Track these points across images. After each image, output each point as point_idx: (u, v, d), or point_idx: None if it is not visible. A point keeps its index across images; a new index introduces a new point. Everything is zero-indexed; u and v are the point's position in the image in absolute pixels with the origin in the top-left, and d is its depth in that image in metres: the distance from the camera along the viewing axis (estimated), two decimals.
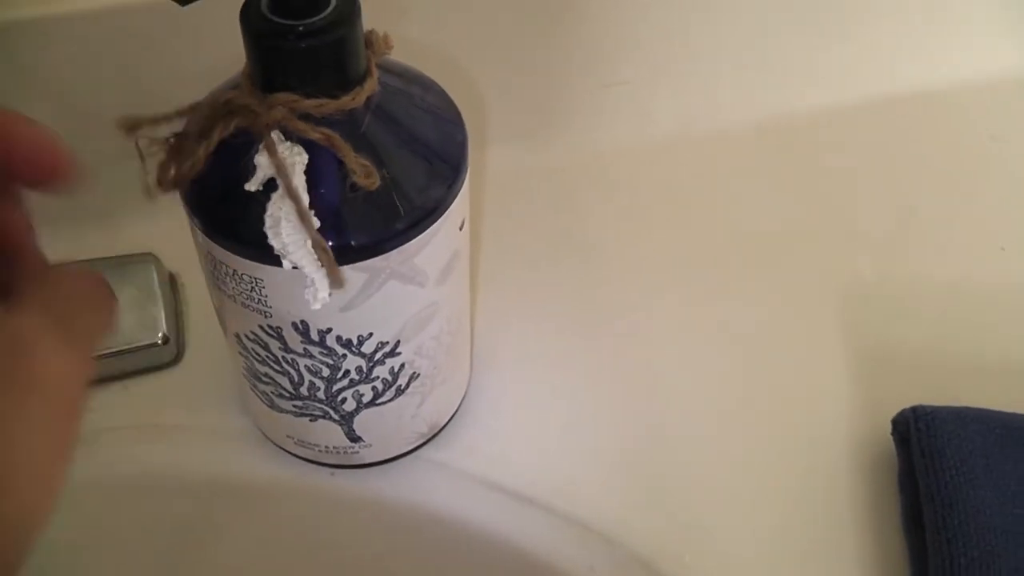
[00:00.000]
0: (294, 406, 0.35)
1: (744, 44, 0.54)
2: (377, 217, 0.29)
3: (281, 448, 0.39)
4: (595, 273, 0.47)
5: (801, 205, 0.51)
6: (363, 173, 0.28)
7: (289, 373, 0.33)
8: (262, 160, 0.28)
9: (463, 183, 0.31)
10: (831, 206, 0.51)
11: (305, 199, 0.27)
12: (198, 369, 0.42)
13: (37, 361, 0.20)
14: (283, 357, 0.32)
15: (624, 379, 0.43)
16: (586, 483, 0.39)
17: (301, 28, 0.26)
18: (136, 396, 0.41)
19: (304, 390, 0.34)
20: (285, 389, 0.34)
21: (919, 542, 0.37)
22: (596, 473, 0.40)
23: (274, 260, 0.28)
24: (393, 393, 0.35)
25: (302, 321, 0.31)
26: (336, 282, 0.28)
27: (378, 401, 0.35)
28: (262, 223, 0.28)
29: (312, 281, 0.28)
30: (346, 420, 0.35)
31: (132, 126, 0.28)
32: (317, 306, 0.29)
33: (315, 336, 0.31)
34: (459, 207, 0.31)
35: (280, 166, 0.27)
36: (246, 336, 0.33)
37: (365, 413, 0.35)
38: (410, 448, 0.39)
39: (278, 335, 0.32)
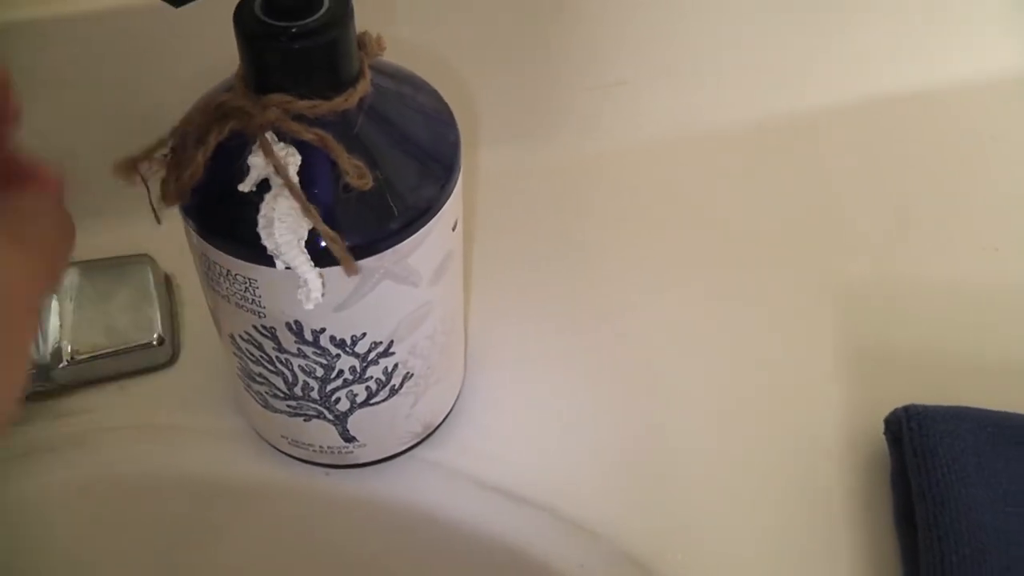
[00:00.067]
0: (288, 406, 0.35)
1: (740, 44, 0.54)
2: (370, 217, 0.29)
3: (276, 448, 0.39)
4: (590, 273, 0.47)
5: (797, 205, 0.51)
6: (356, 174, 0.28)
7: (283, 373, 0.33)
8: (256, 161, 0.28)
9: (456, 183, 0.31)
10: (827, 206, 0.52)
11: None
12: (193, 370, 0.42)
13: None
14: (277, 357, 0.33)
15: (618, 379, 0.43)
16: (579, 482, 0.40)
17: (294, 30, 0.27)
18: (132, 397, 0.41)
19: (298, 390, 0.34)
20: (279, 389, 0.34)
21: (911, 540, 0.37)
22: (589, 472, 0.40)
23: (267, 260, 0.28)
24: (387, 393, 0.35)
25: (296, 321, 0.31)
26: (351, 270, 0.28)
27: (372, 401, 0.35)
28: (255, 224, 0.28)
29: (305, 281, 0.28)
30: (340, 420, 0.35)
31: (129, 166, 0.28)
32: (310, 306, 0.29)
33: (309, 336, 0.31)
34: (452, 207, 0.31)
35: (278, 165, 0.27)
36: (240, 336, 0.33)
37: (359, 413, 0.35)
38: (404, 448, 0.39)
39: (272, 335, 0.32)
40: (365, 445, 0.37)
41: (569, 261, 0.48)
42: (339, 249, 0.28)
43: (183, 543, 0.43)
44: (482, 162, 0.51)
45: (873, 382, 0.43)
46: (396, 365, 0.34)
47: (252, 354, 0.33)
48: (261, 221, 0.28)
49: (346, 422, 0.36)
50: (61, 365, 0.39)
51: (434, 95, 0.33)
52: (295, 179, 0.27)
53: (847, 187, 0.53)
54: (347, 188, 0.28)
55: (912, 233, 0.50)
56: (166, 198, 0.29)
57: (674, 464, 0.40)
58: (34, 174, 0.24)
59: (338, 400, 0.34)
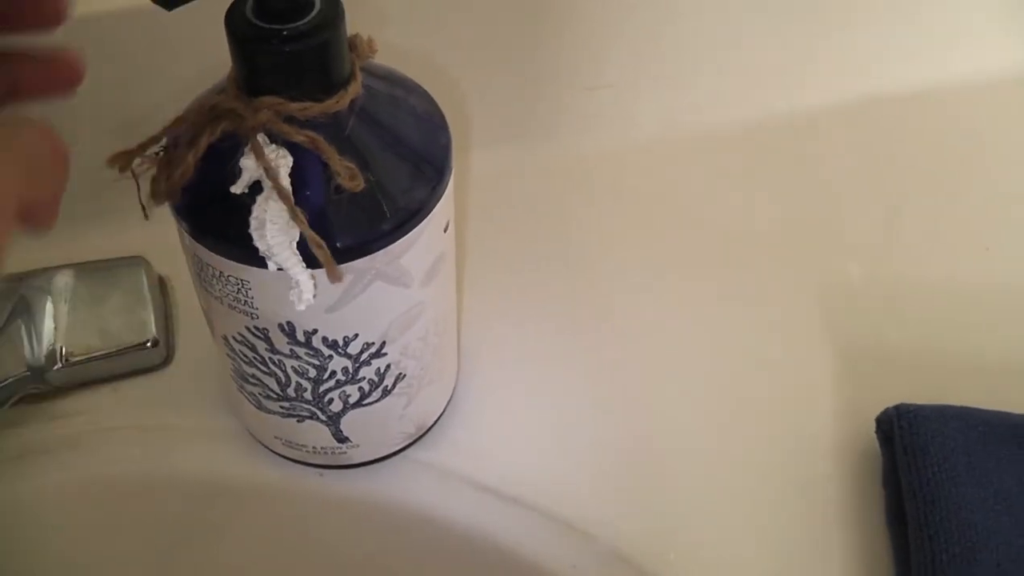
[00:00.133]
0: (281, 407, 0.35)
1: (729, 46, 0.54)
2: (362, 218, 0.29)
3: (269, 449, 0.39)
4: (583, 275, 0.47)
5: (791, 205, 0.52)
6: (347, 175, 0.28)
7: (276, 374, 0.33)
8: (248, 163, 0.28)
9: (447, 185, 0.32)
10: (822, 206, 0.52)
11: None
12: (187, 371, 0.42)
13: None
14: (270, 358, 0.33)
15: (610, 379, 0.43)
16: (572, 482, 0.40)
17: (285, 32, 0.27)
18: (126, 398, 0.41)
19: (291, 391, 0.34)
20: (272, 390, 0.34)
21: (903, 539, 0.37)
22: (582, 472, 0.40)
23: (259, 262, 0.28)
24: (380, 394, 0.35)
25: (288, 322, 0.31)
26: (334, 276, 0.28)
27: (365, 402, 0.35)
28: (247, 225, 0.28)
29: (297, 282, 0.28)
30: (333, 421, 0.36)
31: (124, 160, 0.29)
32: (302, 307, 0.29)
33: (301, 337, 0.31)
34: (443, 209, 0.32)
35: (268, 168, 0.28)
36: (233, 338, 0.33)
37: (352, 414, 0.35)
38: (398, 448, 0.39)
39: (264, 336, 0.32)
40: (358, 446, 0.37)
41: (563, 263, 0.48)
42: (324, 255, 0.28)
43: (177, 544, 0.43)
44: (474, 164, 0.51)
45: (865, 381, 0.43)
46: (388, 366, 0.34)
47: (245, 355, 0.33)
48: (253, 223, 0.28)
49: (339, 423, 0.36)
50: (56, 367, 0.39)
51: (425, 97, 0.33)
52: (286, 182, 0.28)
53: (843, 187, 0.53)
54: (339, 190, 0.28)
55: (905, 233, 0.51)
56: (156, 197, 0.29)
57: (666, 464, 0.41)
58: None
59: (331, 401, 0.35)
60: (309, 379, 0.33)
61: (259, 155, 0.28)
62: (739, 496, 0.40)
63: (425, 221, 0.31)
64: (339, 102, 0.28)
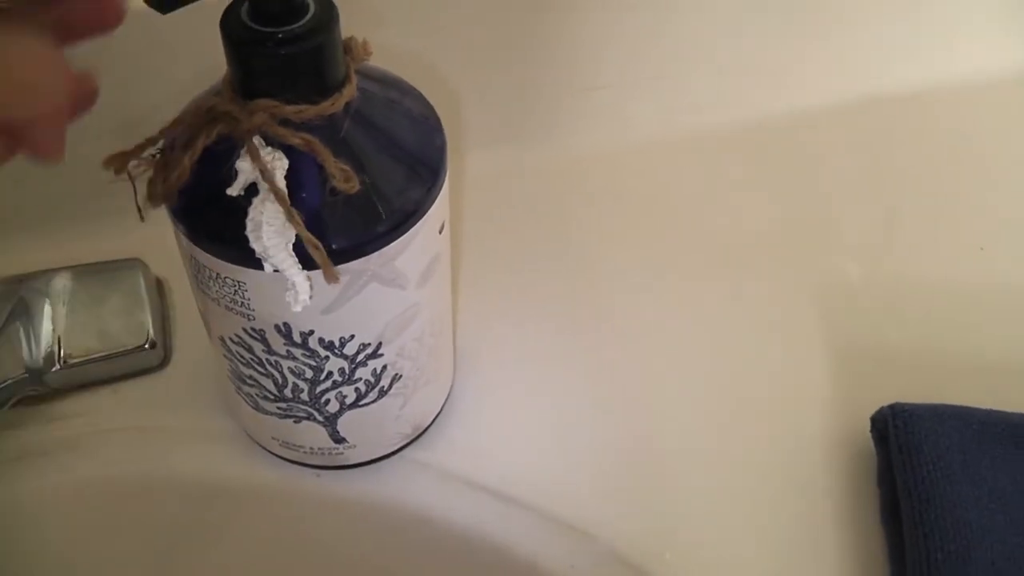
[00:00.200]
0: (278, 408, 0.35)
1: (726, 46, 0.54)
2: (357, 220, 0.29)
3: (267, 450, 0.39)
4: (579, 275, 0.48)
5: (785, 206, 0.52)
6: (343, 177, 0.28)
7: (273, 375, 0.34)
8: (244, 165, 0.28)
9: (442, 186, 0.32)
10: (816, 207, 0.52)
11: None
12: (185, 373, 0.42)
13: None
14: (266, 359, 0.33)
15: (607, 379, 0.43)
16: (569, 482, 0.40)
17: (280, 35, 0.27)
18: (124, 400, 0.42)
19: (288, 392, 0.34)
20: (269, 391, 0.35)
21: (897, 537, 0.37)
22: (578, 472, 0.40)
23: (256, 263, 0.29)
24: (376, 394, 0.35)
25: (284, 323, 0.31)
26: (331, 277, 0.29)
27: (361, 402, 0.35)
28: (243, 227, 0.28)
29: (293, 284, 0.29)
30: (330, 421, 0.36)
31: (120, 162, 0.29)
32: (298, 308, 0.29)
33: (297, 338, 0.32)
34: (438, 210, 0.32)
35: (264, 170, 0.28)
36: (230, 339, 0.33)
37: (349, 414, 0.35)
38: (394, 449, 0.39)
39: (261, 338, 0.32)
40: (355, 446, 0.38)
41: (558, 264, 0.48)
42: (321, 256, 0.28)
43: (175, 545, 0.43)
44: (472, 165, 0.51)
45: (860, 381, 0.43)
46: (385, 367, 0.34)
47: (242, 356, 0.33)
48: (249, 225, 0.28)
49: (336, 423, 0.36)
50: (54, 369, 0.40)
51: (420, 99, 0.33)
52: (281, 184, 0.28)
53: (841, 187, 0.53)
54: (334, 192, 0.28)
55: (903, 233, 0.51)
56: (152, 198, 0.29)
57: (662, 464, 0.41)
58: None
59: (328, 402, 0.35)
60: (306, 380, 0.34)
61: (255, 157, 0.28)
62: (737, 495, 0.40)
63: (420, 223, 0.31)
64: (334, 104, 0.29)
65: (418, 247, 0.31)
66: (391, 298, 0.32)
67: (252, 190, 0.28)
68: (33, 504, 0.40)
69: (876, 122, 0.56)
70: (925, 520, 0.36)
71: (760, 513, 0.39)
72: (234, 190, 0.28)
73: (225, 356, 0.35)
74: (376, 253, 0.30)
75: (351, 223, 0.29)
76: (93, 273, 0.42)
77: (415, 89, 0.33)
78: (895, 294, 0.48)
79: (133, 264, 0.43)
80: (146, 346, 0.41)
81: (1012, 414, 0.39)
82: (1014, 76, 0.58)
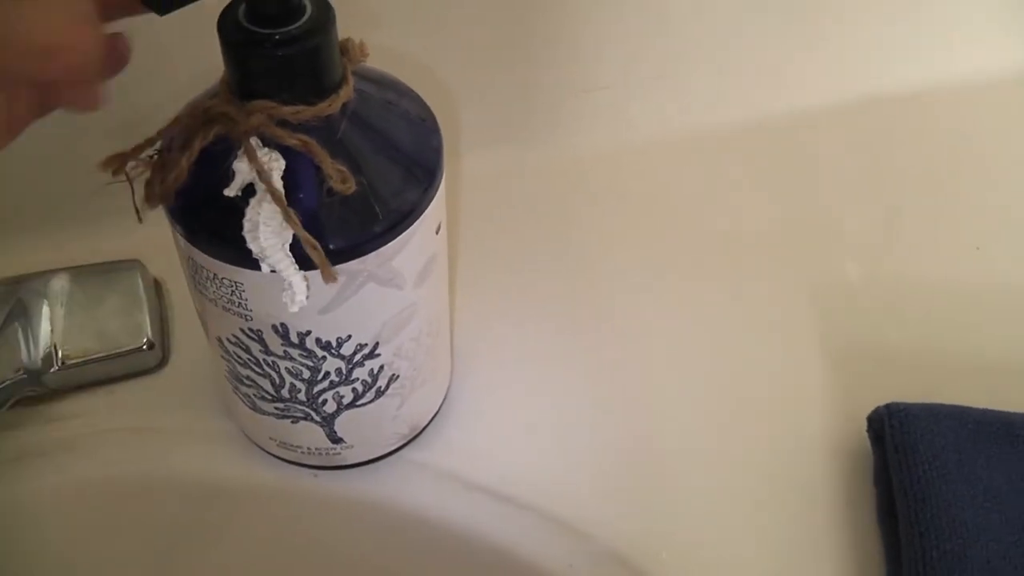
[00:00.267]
0: (276, 408, 0.35)
1: (726, 46, 0.54)
2: (354, 221, 0.29)
3: (264, 450, 0.39)
4: (576, 276, 0.48)
5: (784, 206, 0.52)
6: (339, 178, 0.28)
7: (270, 375, 0.34)
8: (241, 166, 0.28)
9: (439, 187, 0.32)
10: (815, 207, 0.52)
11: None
12: (183, 373, 0.43)
13: None
14: (264, 360, 0.33)
15: (604, 379, 0.43)
16: (566, 481, 0.40)
17: (277, 37, 0.27)
18: (122, 401, 0.42)
19: (285, 392, 0.34)
20: (267, 391, 0.35)
21: (894, 537, 0.38)
22: (576, 472, 0.40)
23: (253, 264, 0.29)
24: (373, 395, 0.35)
25: (282, 324, 0.31)
26: (329, 277, 0.29)
27: (358, 402, 0.35)
28: (241, 227, 0.28)
29: (290, 284, 0.29)
30: (327, 421, 0.36)
31: (117, 163, 0.29)
32: (295, 309, 0.29)
33: (295, 339, 0.32)
34: (435, 211, 0.32)
35: (261, 170, 0.28)
36: (228, 339, 0.33)
37: (346, 414, 0.36)
38: (392, 449, 0.39)
39: (259, 338, 0.32)
40: (352, 446, 0.38)
41: (558, 264, 0.48)
42: (319, 256, 0.28)
43: (173, 546, 0.43)
44: (471, 166, 0.51)
45: (859, 380, 0.43)
46: (382, 367, 0.34)
47: (239, 357, 0.34)
48: (246, 225, 0.28)
49: (333, 424, 0.36)
50: (52, 370, 0.40)
51: (417, 100, 0.33)
52: (278, 185, 0.28)
53: (841, 187, 0.53)
54: (331, 192, 0.28)
55: (900, 233, 0.51)
56: (150, 199, 0.29)
57: (659, 464, 0.41)
58: None
59: (325, 402, 0.35)
60: (303, 380, 0.34)
61: (252, 158, 0.28)
62: (734, 495, 0.40)
63: (417, 223, 0.31)
64: (331, 106, 0.29)
65: (415, 247, 0.31)
66: (388, 298, 0.32)
67: (249, 191, 0.28)
68: (32, 504, 0.40)
69: (876, 122, 0.56)
70: (921, 519, 0.36)
71: (757, 512, 0.39)
72: (231, 191, 0.28)
73: (223, 356, 0.35)
74: (373, 253, 0.30)
75: (348, 224, 0.29)
76: (91, 274, 0.42)
77: (412, 90, 0.33)
78: (895, 294, 0.48)
79: (131, 265, 0.43)
80: (144, 347, 0.41)
81: (1008, 413, 0.39)
82: (1014, 76, 0.58)
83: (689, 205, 0.52)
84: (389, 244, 0.30)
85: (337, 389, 0.34)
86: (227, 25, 0.27)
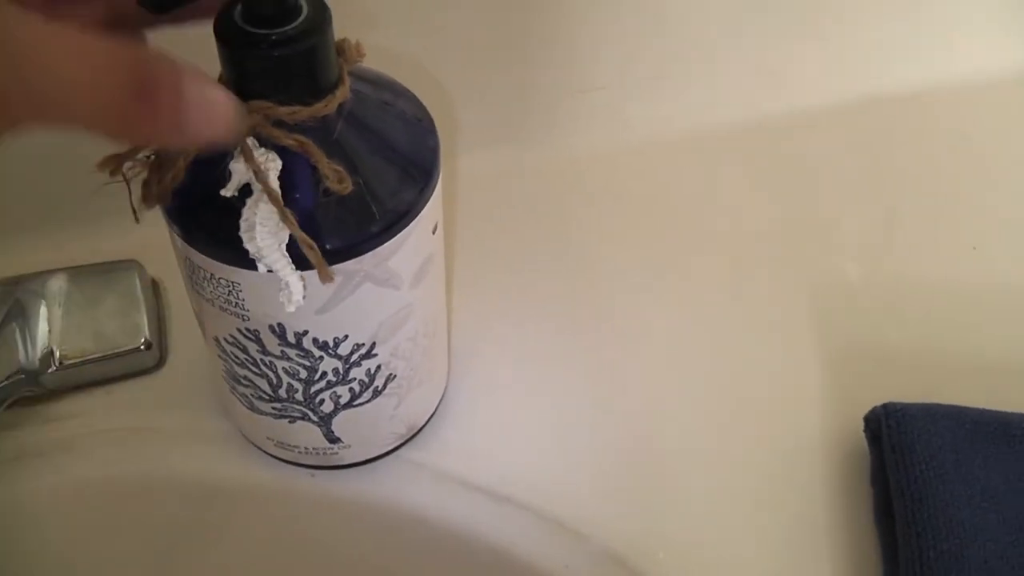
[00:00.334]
0: (273, 408, 0.35)
1: (723, 46, 0.55)
2: (350, 221, 0.29)
3: (262, 450, 0.39)
4: (574, 276, 0.48)
5: (784, 206, 0.52)
6: (336, 178, 0.28)
7: (267, 375, 0.34)
8: (237, 166, 0.28)
9: (435, 187, 0.32)
10: (815, 207, 0.52)
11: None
12: (180, 373, 0.43)
13: None
14: (261, 360, 0.33)
15: (601, 379, 0.43)
16: (565, 481, 0.40)
17: (274, 37, 0.27)
18: (119, 401, 0.42)
19: (282, 392, 0.34)
20: (264, 391, 0.35)
21: (891, 537, 0.38)
22: (573, 472, 0.40)
23: (250, 264, 0.29)
24: (370, 394, 0.35)
25: (279, 324, 0.31)
26: (326, 277, 0.29)
27: (356, 402, 0.35)
28: (237, 228, 0.28)
29: (286, 284, 0.29)
30: (324, 421, 0.36)
31: (114, 163, 0.29)
32: (291, 308, 0.29)
33: (292, 339, 0.32)
34: (431, 211, 0.32)
35: (258, 171, 0.28)
36: (225, 339, 0.33)
37: (343, 414, 0.36)
38: (389, 449, 0.39)
39: (256, 338, 0.32)
40: (350, 446, 0.38)
41: (554, 264, 0.48)
42: (315, 256, 0.28)
43: (171, 546, 0.43)
44: (468, 166, 0.51)
45: (859, 380, 0.43)
46: (379, 367, 0.34)
47: (237, 357, 0.34)
48: (243, 225, 0.28)
49: (330, 423, 0.36)
50: (50, 370, 0.40)
51: (414, 100, 0.33)
52: (275, 185, 0.28)
53: (840, 187, 0.53)
54: (327, 192, 0.28)
55: (900, 233, 0.51)
56: (147, 200, 0.29)
57: (657, 463, 0.41)
58: None
59: (322, 402, 0.35)
60: (300, 380, 0.34)
61: (249, 158, 0.28)
62: (732, 495, 0.40)
63: (413, 223, 0.31)
64: (327, 106, 0.29)
65: (411, 247, 0.31)
66: (385, 298, 0.32)
67: (246, 191, 0.28)
68: (30, 505, 0.40)
69: (876, 122, 0.56)
70: (918, 519, 0.36)
71: (754, 512, 0.40)
72: (228, 191, 0.28)
73: (220, 357, 0.35)
74: (370, 253, 0.30)
75: (345, 224, 0.29)
76: (89, 274, 0.42)
77: (408, 91, 0.33)
78: (894, 294, 0.48)
79: (129, 265, 0.43)
80: (142, 347, 0.41)
81: (1005, 413, 0.39)
82: (1014, 76, 0.58)
83: (688, 205, 0.52)
84: (386, 244, 0.30)
85: (334, 389, 0.34)
86: (223, 25, 0.27)
